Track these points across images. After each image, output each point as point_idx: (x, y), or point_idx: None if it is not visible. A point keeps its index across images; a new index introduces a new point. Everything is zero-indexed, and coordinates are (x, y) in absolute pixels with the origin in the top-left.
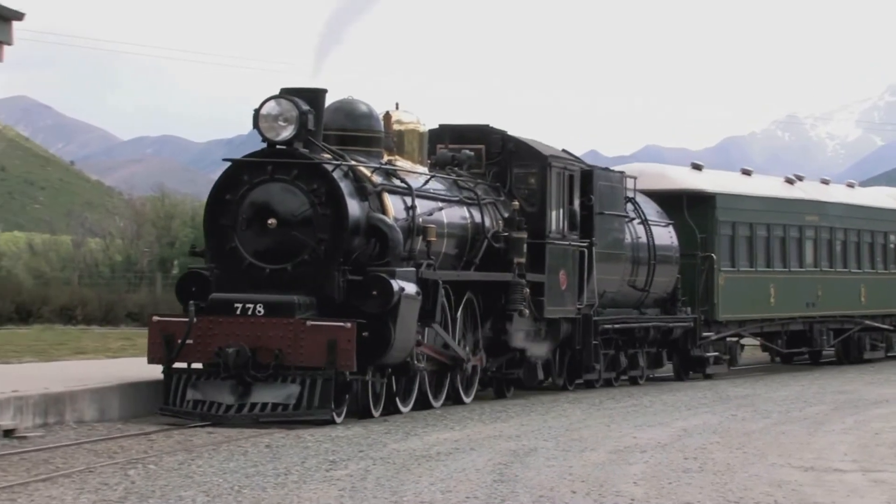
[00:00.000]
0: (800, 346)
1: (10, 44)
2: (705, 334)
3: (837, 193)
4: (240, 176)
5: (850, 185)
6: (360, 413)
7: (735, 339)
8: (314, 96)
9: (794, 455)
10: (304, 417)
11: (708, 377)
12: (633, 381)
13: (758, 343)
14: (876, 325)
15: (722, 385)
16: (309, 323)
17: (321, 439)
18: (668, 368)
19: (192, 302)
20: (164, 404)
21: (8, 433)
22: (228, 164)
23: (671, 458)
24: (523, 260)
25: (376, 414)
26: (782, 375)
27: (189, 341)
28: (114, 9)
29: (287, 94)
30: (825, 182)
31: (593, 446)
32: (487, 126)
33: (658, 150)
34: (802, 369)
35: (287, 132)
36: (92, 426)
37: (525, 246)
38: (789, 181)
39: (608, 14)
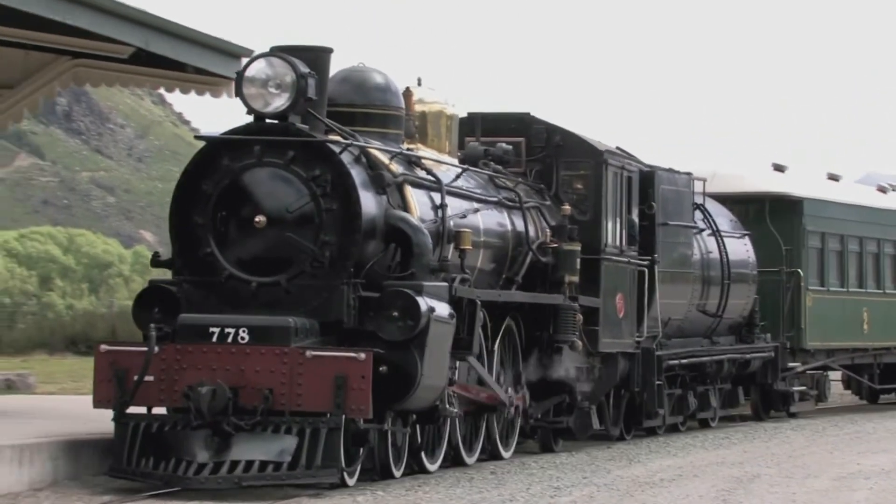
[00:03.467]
0: (891, 382)
1: None
2: (791, 364)
3: None
4: (218, 159)
5: None
6: (378, 473)
7: (822, 371)
8: (316, 57)
9: None
10: (303, 480)
11: (792, 416)
12: (704, 424)
13: (839, 378)
14: None
15: None
16: (309, 353)
17: (545, 466)
18: (743, 408)
19: (153, 325)
20: (115, 463)
21: None
22: (203, 143)
23: None
24: (576, 279)
25: (398, 473)
26: None
27: (149, 378)
28: (335, 39)
29: (281, 53)
30: None
31: (816, 473)
32: (528, 115)
33: (881, 177)
34: None
35: (280, 101)
36: None
37: (578, 261)
38: (881, 189)
39: (833, 37)
